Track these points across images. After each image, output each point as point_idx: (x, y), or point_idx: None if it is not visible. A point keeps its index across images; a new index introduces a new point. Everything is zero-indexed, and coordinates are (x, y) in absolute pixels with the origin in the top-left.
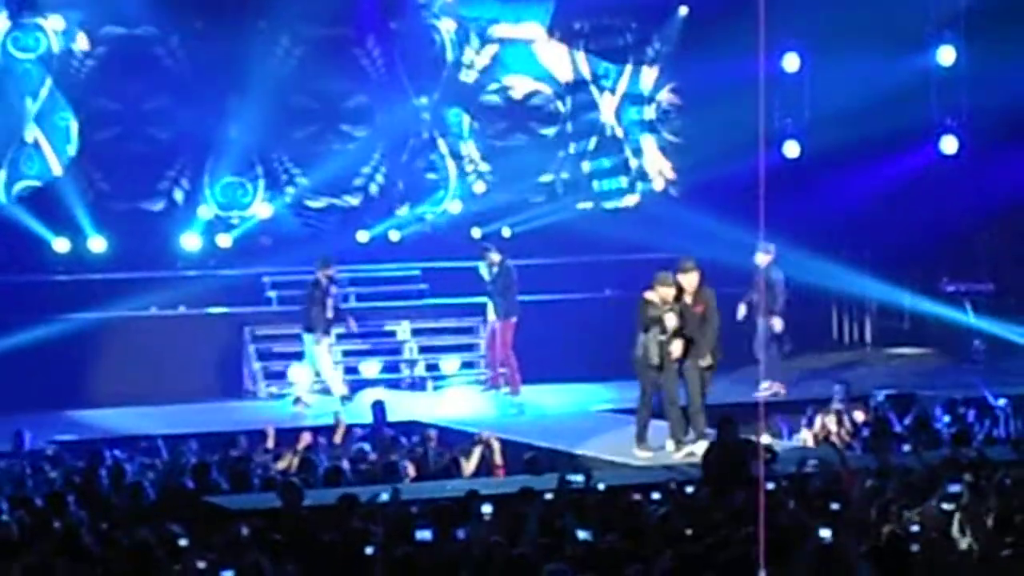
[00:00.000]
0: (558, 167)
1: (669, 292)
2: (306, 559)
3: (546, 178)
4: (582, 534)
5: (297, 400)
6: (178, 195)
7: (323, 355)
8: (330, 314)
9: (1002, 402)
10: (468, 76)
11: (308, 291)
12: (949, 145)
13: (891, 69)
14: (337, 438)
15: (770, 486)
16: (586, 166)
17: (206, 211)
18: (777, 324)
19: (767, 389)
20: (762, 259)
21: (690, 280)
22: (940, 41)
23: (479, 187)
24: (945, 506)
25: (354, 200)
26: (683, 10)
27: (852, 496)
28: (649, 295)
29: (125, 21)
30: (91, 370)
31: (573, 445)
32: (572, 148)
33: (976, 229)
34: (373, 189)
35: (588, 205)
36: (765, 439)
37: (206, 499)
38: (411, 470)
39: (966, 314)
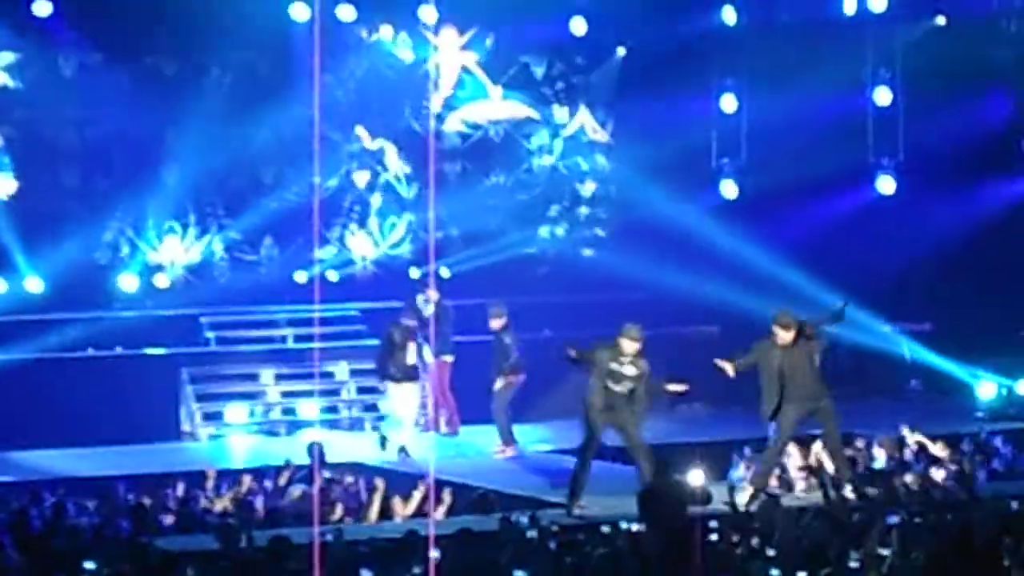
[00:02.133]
0: (496, 208)
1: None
2: None
3: (484, 218)
4: (519, 574)
5: (402, 449)
6: (114, 236)
7: (401, 400)
8: (410, 360)
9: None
10: (408, 113)
11: (386, 337)
12: (886, 185)
13: (828, 109)
14: (282, 480)
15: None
16: (525, 207)
17: (143, 255)
18: (500, 384)
19: (501, 452)
20: (496, 323)
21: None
22: (877, 82)
23: (415, 225)
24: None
25: (292, 240)
26: (620, 51)
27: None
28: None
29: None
30: (26, 411)
31: (512, 486)
32: (510, 188)
33: (913, 269)
34: (312, 228)
35: (528, 248)
36: (699, 480)
37: (143, 540)
38: (339, 510)
39: (903, 353)
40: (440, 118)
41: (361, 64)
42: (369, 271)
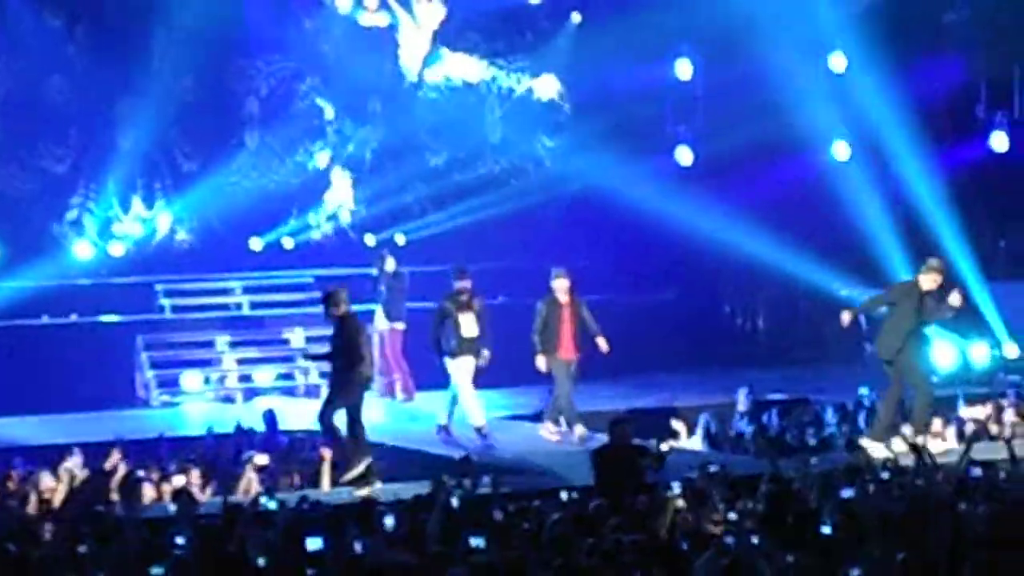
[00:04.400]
0: (450, 174)
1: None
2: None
3: (437, 184)
4: (475, 541)
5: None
6: (68, 204)
7: (462, 374)
8: (467, 332)
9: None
10: (367, 76)
11: (439, 311)
12: (841, 151)
13: (783, 74)
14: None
15: (676, 490)
16: (482, 174)
17: (94, 224)
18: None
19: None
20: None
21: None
22: (831, 48)
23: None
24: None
25: (248, 207)
26: (576, 17)
27: None
28: None
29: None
30: None
31: (469, 452)
32: (464, 154)
33: (871, 234)
34: (268, 196)
35: (481, 212)
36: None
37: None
38: (296, 479)
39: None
40: (409, 82)
41: (322, 29)
42: (326, 237)
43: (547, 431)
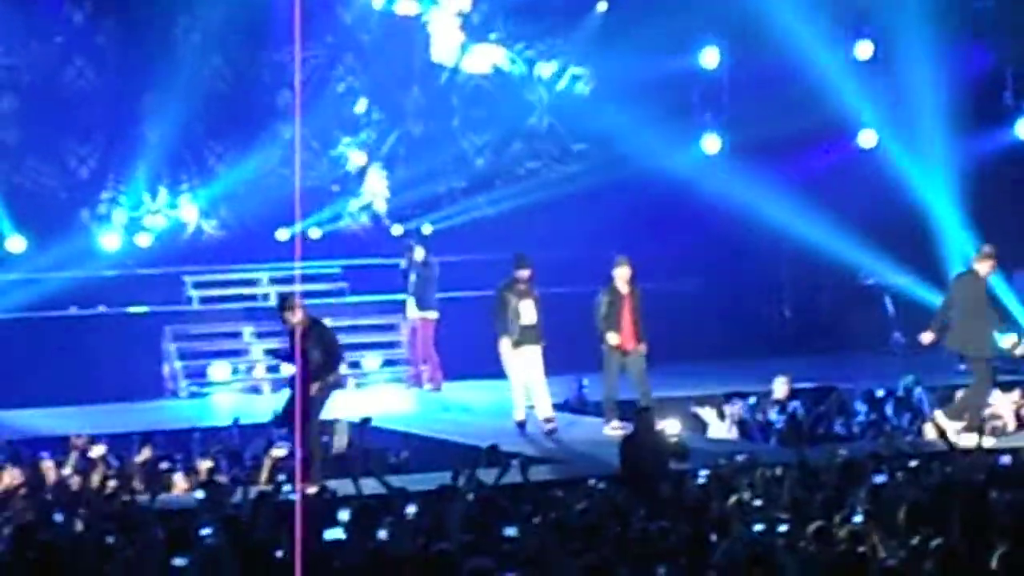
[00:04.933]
0: (482, 162)
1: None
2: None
3: (467, 174)
4: (510, 530)
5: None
6: (96, 196)
7: (509, 366)
8: (527, 320)
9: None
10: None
11: (498, 299)
12: (868, 139)
13: (811, 62)
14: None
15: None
16: (511, 162)
17: (122, 215)
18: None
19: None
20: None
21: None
22: (857, 36)
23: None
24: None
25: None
26: (602, 6)
27: None
28: None
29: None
30: (8, 371)
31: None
32: (495, 142)
33: (896, 222)
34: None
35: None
36: (675, 430)
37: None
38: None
39: (886, 307)
40: (439, 70)
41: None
42: (354, 227)
43: (610, 428)
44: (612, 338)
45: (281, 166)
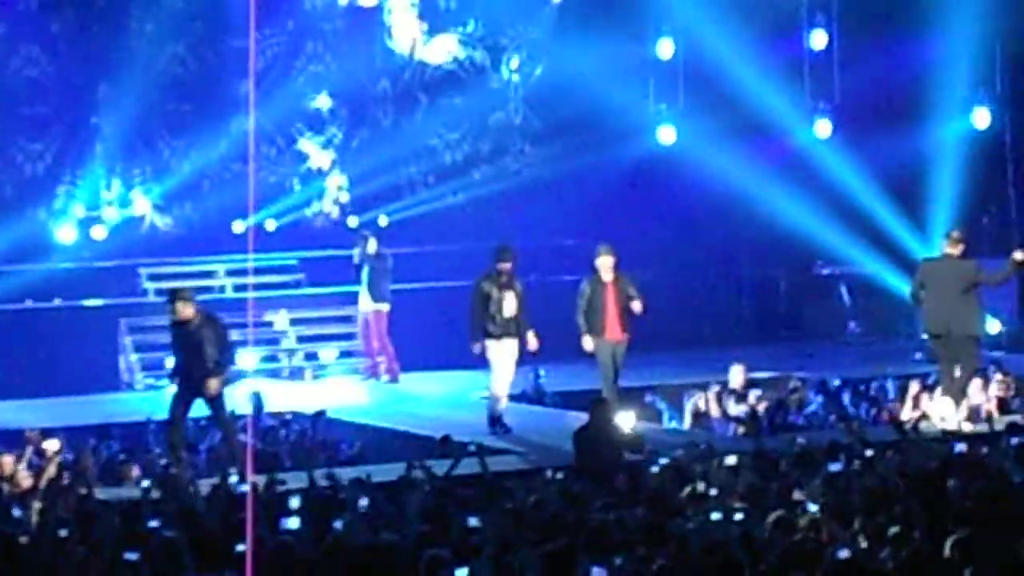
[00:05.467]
0: (435, 153)
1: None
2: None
3: (420, 166)
4: (472, 521)
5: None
6: (51, 188)
7: (493, 358)
8: (508, 312)
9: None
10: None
11: (476, 292)
12: (823, 128)
13: (765, 53)
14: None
15: (653, 469)
16: (464, 154)
17: (78, 208)
18: None
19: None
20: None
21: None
22: (812, 25)
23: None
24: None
25: (230, 190)
26: None
27: None
28: None
29: None
30: None
31: (453, 432)
32: (450, 135)
33: (851, 212)
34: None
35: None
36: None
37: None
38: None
39: (841, 297)
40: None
41: (297, 14)
42: (312, 219)
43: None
44: (587, 343)
45: (237, 159)
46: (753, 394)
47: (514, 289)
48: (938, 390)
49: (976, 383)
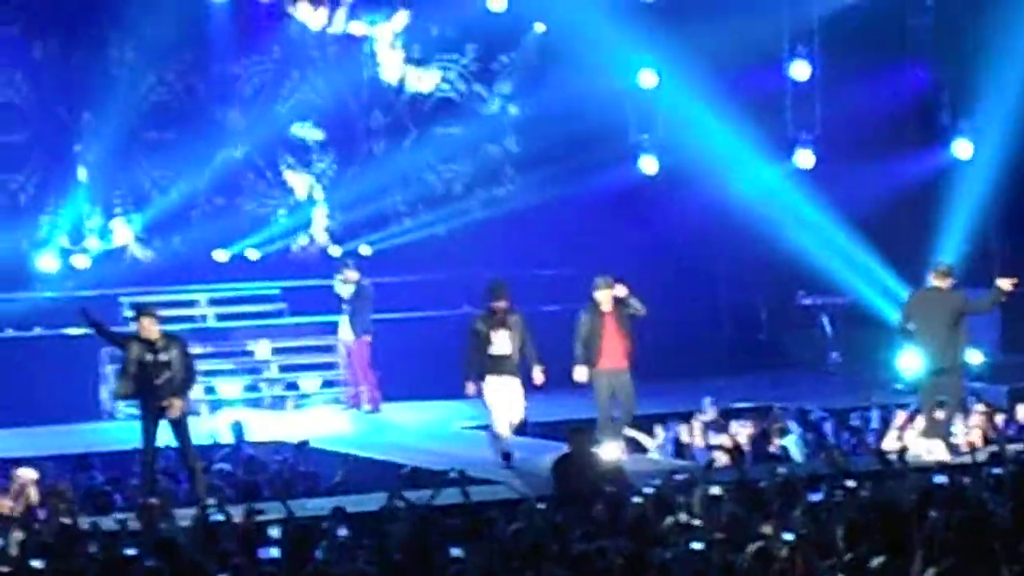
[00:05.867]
0: (421, 182)
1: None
2: None
3: (405, 195)
4: (455, 551)
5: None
6: (34, 217)
7: (501, 395)
8: (501, 350)
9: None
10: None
11: (471, 330)
12: (805, 159)
13: (746, 83)
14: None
15: (635, 500)
16: (446, 185)
17: (64, 239)
18: None
19: None
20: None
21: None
22: (794, 55)
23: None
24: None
25: (212, 220)
26: (539, 27)
27: None
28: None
29: None
30: None
31: (435, 462)
32: (431, 163)
33: (833, 242)
34: (233, 208)
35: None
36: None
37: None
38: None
39: (823, 327)
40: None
41: (283, 42)
42: (294, 249)
43: (611, 450)
44: (578, 373)
45: (221, 188)
46: (735, 424)
47: (508, 327)
48: (918, 422)
49: (958, 415)
